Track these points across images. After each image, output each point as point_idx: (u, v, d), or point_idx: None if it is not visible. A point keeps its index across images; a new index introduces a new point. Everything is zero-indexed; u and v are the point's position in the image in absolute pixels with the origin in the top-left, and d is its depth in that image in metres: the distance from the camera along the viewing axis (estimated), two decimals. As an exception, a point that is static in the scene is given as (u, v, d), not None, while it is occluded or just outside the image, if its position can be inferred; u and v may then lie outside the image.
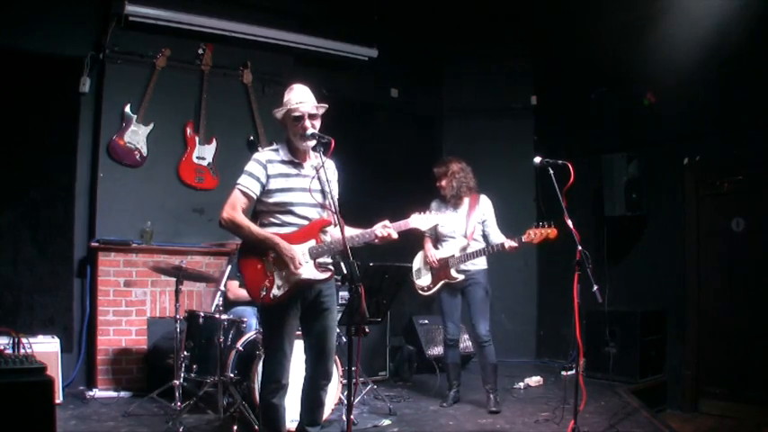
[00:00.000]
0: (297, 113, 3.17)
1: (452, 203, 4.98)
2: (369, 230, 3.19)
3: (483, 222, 4.94)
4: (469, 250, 4.83)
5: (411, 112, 7.35)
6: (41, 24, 5.23)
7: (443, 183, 4.97)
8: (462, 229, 4.92)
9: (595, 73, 6.63)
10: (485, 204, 5.00)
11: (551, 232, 4.34)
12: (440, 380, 5.52)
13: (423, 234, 4.95)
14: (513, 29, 7.11)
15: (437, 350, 6.17)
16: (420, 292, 5.06)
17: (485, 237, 4.95)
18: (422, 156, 7.34)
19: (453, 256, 4.86)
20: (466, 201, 4.97)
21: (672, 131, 6.02)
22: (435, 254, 4.93)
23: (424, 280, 5.02)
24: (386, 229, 3.17)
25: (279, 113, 3.24)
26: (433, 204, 5.03)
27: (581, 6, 6.29)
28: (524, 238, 4.47)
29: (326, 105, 3.27)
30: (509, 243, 4.60)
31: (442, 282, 4.90)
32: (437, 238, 5.03)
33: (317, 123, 3.21)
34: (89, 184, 5.47)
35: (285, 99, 3.25)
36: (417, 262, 5.08)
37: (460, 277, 4.86)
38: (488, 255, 4.81)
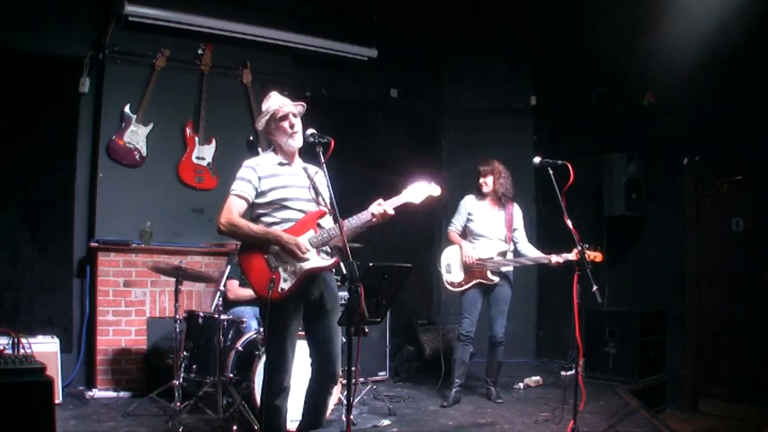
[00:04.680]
0: (281, 114, 3.22)
1: (494, 203, 5.06)
2: (364, 212, 3.19)
3: (514, 231, 5.05)
4: (508, 256, 4.96)
5: (411, 112, 7.34)
6: (41, 24, 5.23)
7: (491, 180, 5.01)
8: (502, 233, 5.01)
9: (595, 73, 6.64)
10: (518, 213, 5.12)
11: (597, 256, 4.12)
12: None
13: (448, 229, 5.10)
14: (513, 29, 7.11)
15: (436, 350, 6.17)
16: (449, 287, 5.04)
17: (514, 243, 5.05)
18: (421, 156, 7.35)
19: (492, 258, 4.91)
20: (505, 205, 5.06)
21: (672, 131, 6.02)
22: (474, 254, 4.93)
23: (454, 276, 5.00)
24: (381, 206, 3.16)
25: (261, 124, 3.30)
26: (469, 198, 5.10)
27: (581, 6, 6.29)
28: (571, 257, 4.38)
29: (305, 104, 3.31)
30: (556, 259, 4.61)
31: (477, 281, 4.93)
32: (465, 234, 5.08)
33: (299, 123, 3.24)
34: (88, 185, 5.47)
35: (264, 108, 3.30)
36: (448, 257, 5.05)
37: (497, 279, 4.93)
38: (527, 266, 4.96)
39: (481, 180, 5.05)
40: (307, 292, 3.18)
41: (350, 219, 3.17)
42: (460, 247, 5.00)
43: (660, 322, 6.02)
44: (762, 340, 5.25)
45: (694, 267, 5.86)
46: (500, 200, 5.04)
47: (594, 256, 4.16)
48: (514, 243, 5.05)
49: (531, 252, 4.94)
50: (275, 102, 3.27)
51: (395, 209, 3.21)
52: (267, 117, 3.26)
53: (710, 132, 5.70)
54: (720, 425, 5.32)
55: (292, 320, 3.19)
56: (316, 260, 3.16)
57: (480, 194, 5.09)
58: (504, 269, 4.97)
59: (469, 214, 5.07)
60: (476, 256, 4.92)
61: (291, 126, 3.20)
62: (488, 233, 5.00)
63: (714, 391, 5.60)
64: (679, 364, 5.88)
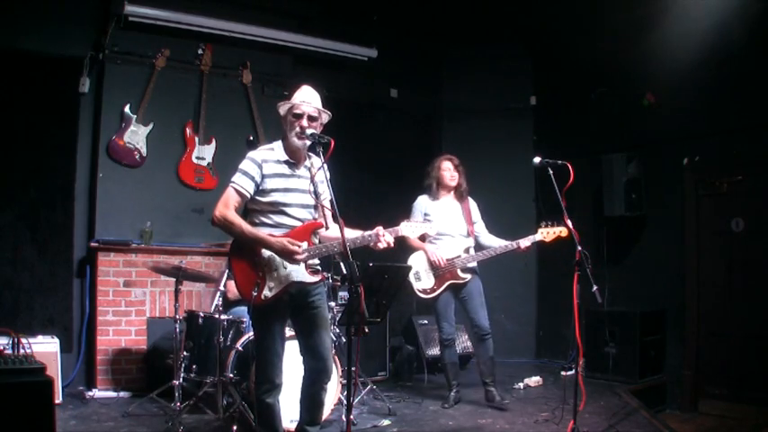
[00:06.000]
0: (297, 111, 3.18)
1: (456, 198, 4.99)
2: (365, 234, 3.16)
3: (474, 224, 5.00)
4: (471, 251, 4.87)
5: (411, 112, 7.35)
6: (41, 24, 5.23)
7: (458, 175, 4.95)
8: (464, 229, 4.93)
9: (595, 73, 6.63)
10: (474, 205, 5.06)
11: (563, 231, 4.39)
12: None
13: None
14: (512, 29, 7.11)
15: (436, 350, 6.16)
16: (422, 295, 4.91)
17: (476, 237, 5.00)
18: (421, 156, 7.34)
19: (460, 256, 4.84)
20: (462, 200, 5.01)
21: (672, 131, 6.02)
22: (441, 255, 4.84)
23: (425, 282, 4.89)
24: (384, 236, 3.14)
25: (282, 109, 3.26)
26: (423, 198, 5.00)
27: (581, 6, 6.29)
28: (538, 237, 4.56)
29: (330, 113, 3.27)
30: (524, 243, 4.65)
31: (449, 282, 4.85)
32: (423, 236, 4.89)
33: (317, 128, 3.20)
34: (88, 185, 5.47)
35: (293, 97, 3.27)
36: (415, 264, 4.90)
37: (468, 277, 4.86)
38: (496, 256, 4.81)
39: (451, 173, 4.95)
40: (293, 294, 3.18)
41: (351, 237, 3.12)
42: (425, 251, 4.87)
43: (660, 322, 6.02)
44: (762, 340, 5.25)
45: (694, 267, 5.86)
46: (461, 195, 4.98)
47: (560, 230, 4.38)
48: (476, 237, 4.98)
49: (497, 242, 4.87)
50: (301, 96, 3.24)
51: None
52: (288, 106, 3.23)
53: (710, 132, 5.70)
54: (720, 425, 5.32)
55: (279, 319, 3.20)
56: (302, 274, 3.16)
57: (433, 193, 4.98)
58: (470, 264, 4.89)
59: (426, 215, 4.92)
60: (445, 256, 4.83)
61: (301, 128, 3.16)
62: (450, 231, 4.91)
63: (714, 391, 5.60)
64: (679, 364, 5.88)
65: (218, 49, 5.90)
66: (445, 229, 4.91)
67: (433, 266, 4.86)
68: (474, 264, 4.92)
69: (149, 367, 5.22)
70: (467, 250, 4.87)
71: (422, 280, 4.91)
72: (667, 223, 6.09)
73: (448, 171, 4.96)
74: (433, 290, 4.89)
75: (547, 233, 4.51)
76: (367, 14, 6.75)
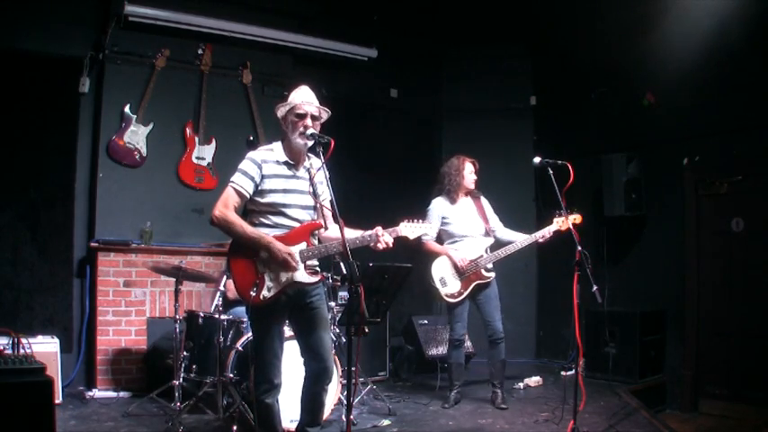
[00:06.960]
0: (300, 111, 3.18)
1: (473, 199, 4.99)
2: (365, 235, 3.16)
3: (489, 222, 4.99)
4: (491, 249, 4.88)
5: (411, 112, 7.35)
6: (41, 24, 5.23)
7: (475, 175, 4.96)
8: (482, 228, 4.92)
9: (595, 73, 6.64)
10: (486, 202, 5.06)
11: (576, 218, 4.33)
12: (439, 380, 5.49)
13: (420, 240, 4.65)
14: (512, 29, 7.11)
15: (436, 350, 6.17)
16: (449, 300, 4.82)
17: (493, 233, 4.98)
18: (421, 156, 7.35)
19: (482, 256, 4.81)
20: (474, 199, 5.00)
21: (672, 131, 6.02)
22: (465, 257, 4.81)
23: (452, 287, 4.81)
24: (382, 236, 3.13)
25: (281, 111, 3.26)
26: (439, 202, 4.94)
27: (581, 6, 6.29)
28: (554, 228, 4.54)
29: (329, 111, 3.28)
30: (543, 236, 4.65)
31: (474, 283, 4.81)
32: (440, 239, 4.93)
33: (317, 127, 3.21)
34: (88, 185, 5.47)
35: (290, 98, 3.26)
36: (440, 269, 4.84)
37: (492, 275, 4.84)
38: (516, 251, 4.81)
39: (474, 176, 4.94)
40: (291, 294, 3.18)
41: (350, 237, 3.11)
42: (448, 255, 4.83)
43: (660, 322, 6.02)
44: (762, 340, 5.25)
45: (694, 267, 5.86)
46: (474, 194, 5.00)
47: (574, 218, 4.32)
48: (493, 233, 4.95)
49: (515, 236, 4.86)
50: (301, 95, 3.24)
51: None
52: (288, 107, 3.22)
53: (710, 132, 5.70)
54: (720, 425, 5.32)
55: (278, 320, 3.20)
56: (302, 275, 3.16)
57: (451, 196, 4.92)
58: (492, 263, 4.87)
59: (444, 218, 4.88)
60: (468, 257, 4.81)
61: (305, 127, 3.16)
62: (471, 232, 4.89)
63: (714, 391, 5.60)
64: (679, 365, 5.88)
65: (218, 49, 5.90)
66: (466, 231, 4.89)
67: (458, 270, 4.81)
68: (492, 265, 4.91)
69: (149, 367, 5.22)
70: (487, 249, 4.86)
71: (448, 285, 4.83)
72: (667, 223, 6.09)
73: (472, 174, 4.95)
74: (460, 293, 4.82)
75: (563, 222, 4.45)
76: (367, 14, 6.75)
